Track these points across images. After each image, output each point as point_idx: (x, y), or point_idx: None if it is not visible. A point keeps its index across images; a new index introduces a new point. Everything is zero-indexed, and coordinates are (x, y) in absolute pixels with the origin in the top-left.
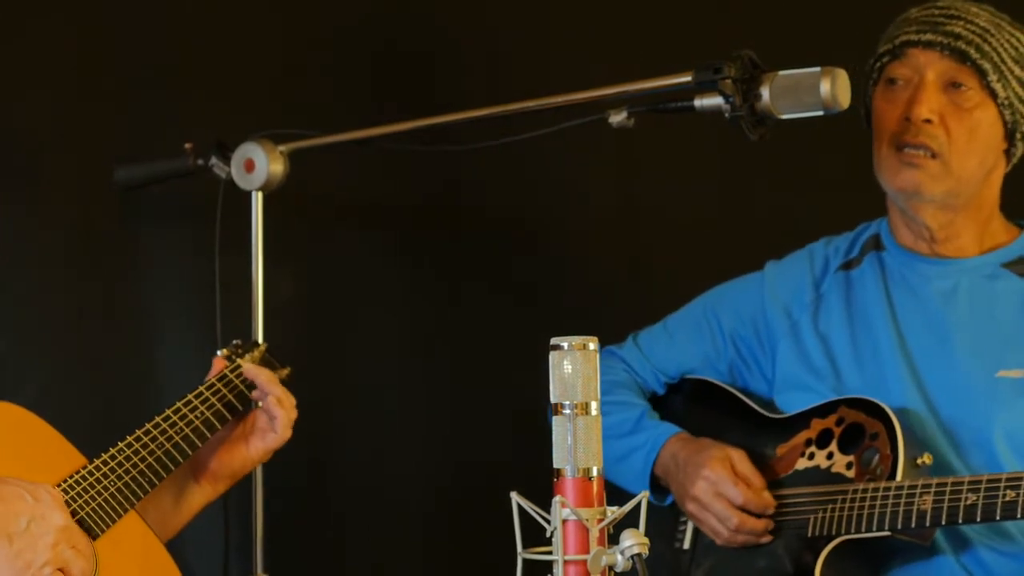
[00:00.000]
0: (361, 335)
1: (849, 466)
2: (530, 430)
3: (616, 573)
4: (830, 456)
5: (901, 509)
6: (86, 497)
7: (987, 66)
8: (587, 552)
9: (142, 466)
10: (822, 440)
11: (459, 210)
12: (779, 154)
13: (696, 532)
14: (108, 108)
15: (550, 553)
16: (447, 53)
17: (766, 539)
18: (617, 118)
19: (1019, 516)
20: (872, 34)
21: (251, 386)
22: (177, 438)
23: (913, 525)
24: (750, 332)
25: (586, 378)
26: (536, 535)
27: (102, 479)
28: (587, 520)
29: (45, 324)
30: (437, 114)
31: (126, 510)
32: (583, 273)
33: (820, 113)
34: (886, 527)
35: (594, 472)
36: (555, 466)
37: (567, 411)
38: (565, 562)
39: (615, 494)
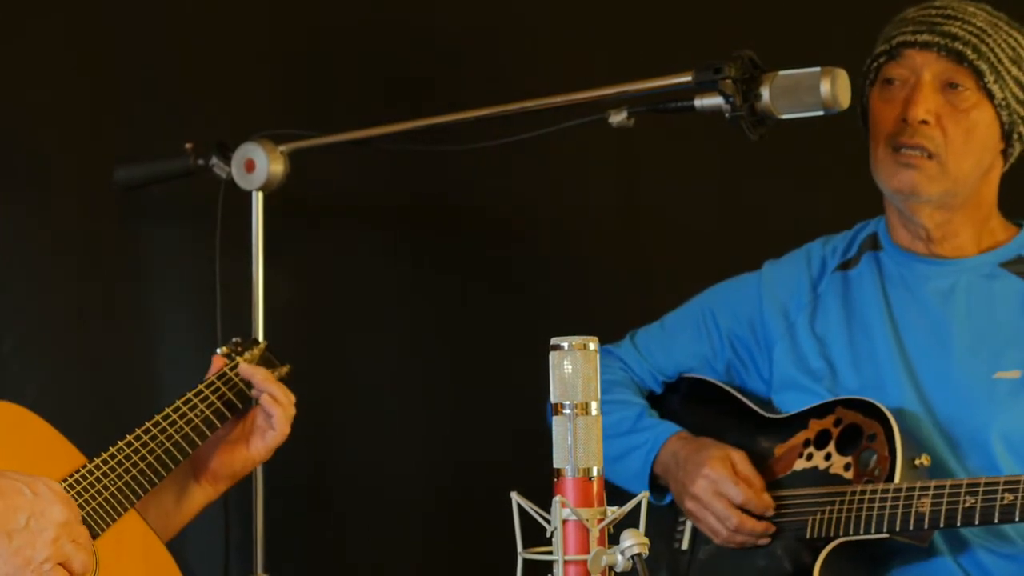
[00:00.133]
0: (361, 335)
1: (847, 467)
2: (530, 430)
3: (616, 573)
4: (828, 457)
5: (900, 511)
6: (86, 496)
7: (984, 67)
8: (587, 552)
9: (142, 465)
10: (820, 441)
11: (459, 210)
12: (779, 154)
13: (695, 532)
14: (108, 108)
15: (550, 553)
16: (447, 53)
17: (764, 540)
18: (617, 118)
19: (1017, 519)
20: (872, 34)
21: (251, 384)
22: (177, 437)
23: (911, 527)
24: (747, 332)
25: (586, 378)
26: (536, 535)
27: (102, 478)
28: (587, 520)
29: (45, 324)
30: (437, 114)
31: (126, 509)
32: (583, 273)
33: (820, 113)
34: (884, 529)
35: (594, 472)
36: (555, 466)
37: (567, 411)
38: (565, 562)
39: (613, 494)
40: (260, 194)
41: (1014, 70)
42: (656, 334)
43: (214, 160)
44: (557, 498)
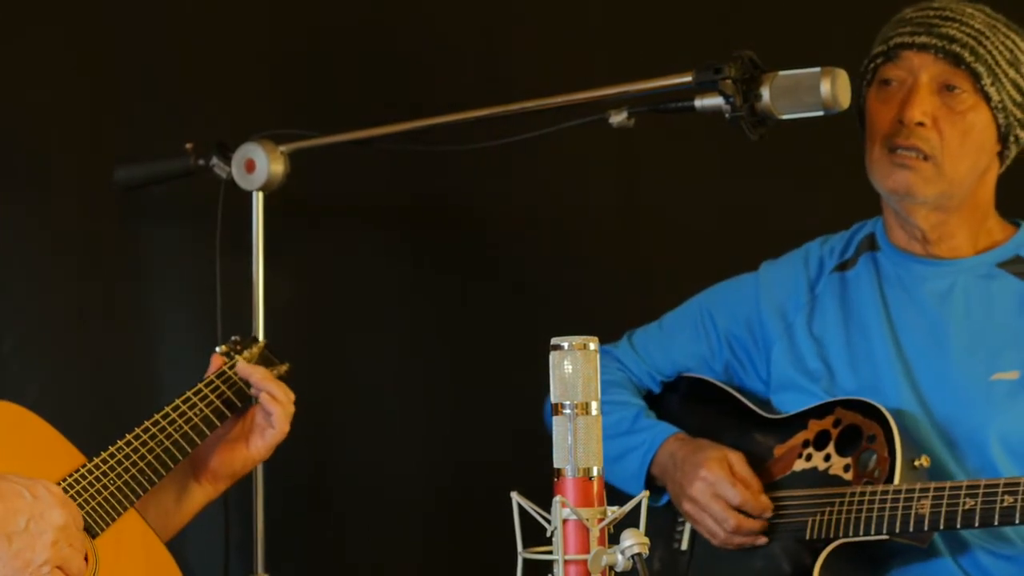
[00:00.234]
0: (361, 335)
1: (847, 468)
2: (530, 430)
3: (616, 573)
4: (828, 458)
5: (899, 513)
6: (85, 496)
7: (981, 69)
8: (587, 552)
9: (141, 464)
10: (819, 441)
11: (459, 210)
12: (779, 154)
13: (694, 533)
14: (108, 108)
15: (550, 553)
16: (447, 53)
17: (762, 541)
18: (617, 118)
19: (1017, 521)
20: (872, 34)
21: (250, 383)
22: (176, 436)
23: (911, 529)
24: (745, 333)
25: (586, 378)
26: (536, 535)
27: (101, 477)
28: (587, 520)
29: (45, 324)
30: (437, 114)
31: (126, 508)
32: (583, 273)
33: (820, 113)
34: (884, 531)
35: (594, 472)
36: (555, 466)
37: (567, 411)
38: (565, 562)
39: (610, 494)
40: (260, 194)
41: (1011, 72)
42: (654, 334)
43: (214, 160)
44: (557, 498)
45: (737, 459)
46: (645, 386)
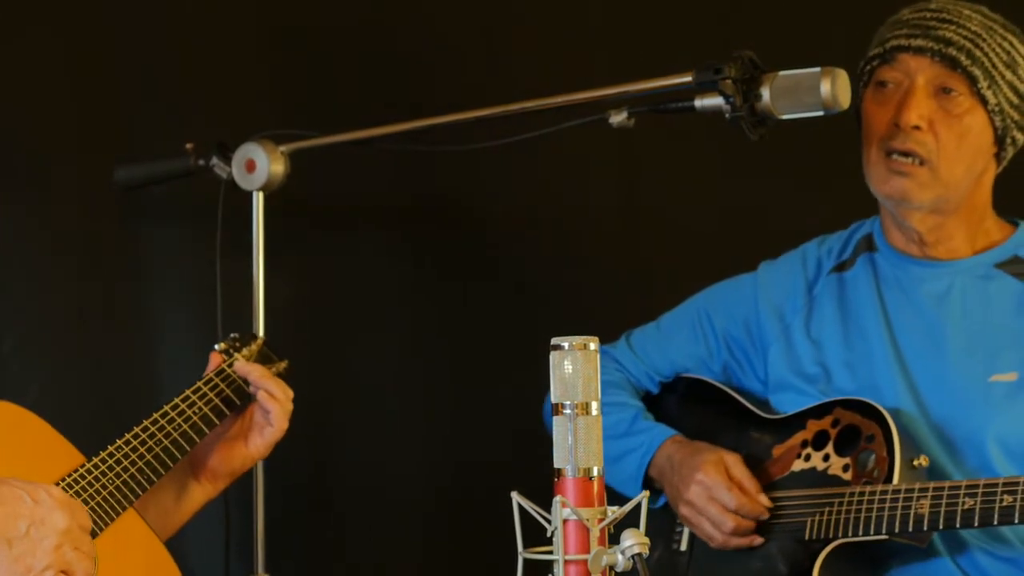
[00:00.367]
0: (361, 335)
1: (846, 468)
2: (530, 430)
3: (617, 573)
4: (826, 458)
5: (899, 513)
6: (85, 496)
7: (978, 72)
8: (587, 552)
9: (140, 463)
10: (818, 441)
11: (459, 210)
12: (779, 154)
13: (693, 534)
14: (108, 108)
15: (550, 553)
16: (447, 53)
17: (758, 541)
18: (617, 118)
19: (1016, 521)
20: (872, 34)
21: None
22: (175, 434)
23: (911, 529)
24: (742, 334)
25: (586, 378)
26: (536, 535)
27: (100, 477)
28: (588, 520)
29: (45, 324)
30: (437, 114)
31: (125, 508)
32: (583, 273)
33: (820, 113)
34: (883, 531)
35: (595, 472)
36: (556, 466)
37: (567, 411)
38: (565, 562)
39: (610, 495)
40: (260, 194)
41: (1008, 75)
42: (652, 335)
43: (214, 160)
44: (557, 498)
45: (734, 461)
46: (643, 387)
